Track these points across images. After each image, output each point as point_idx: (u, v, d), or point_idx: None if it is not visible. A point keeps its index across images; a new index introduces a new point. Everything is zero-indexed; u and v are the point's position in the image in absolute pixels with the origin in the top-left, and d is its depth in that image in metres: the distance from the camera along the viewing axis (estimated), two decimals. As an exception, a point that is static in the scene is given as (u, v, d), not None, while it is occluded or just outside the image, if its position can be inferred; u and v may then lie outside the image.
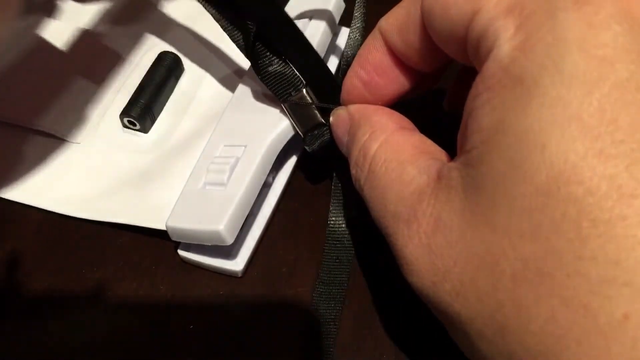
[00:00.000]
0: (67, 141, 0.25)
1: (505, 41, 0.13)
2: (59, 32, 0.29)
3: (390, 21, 0.18)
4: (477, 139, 0.14)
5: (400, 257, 0.16)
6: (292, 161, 0.24)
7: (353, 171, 0.19)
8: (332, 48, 0.28)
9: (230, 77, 0.27)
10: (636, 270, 0.11)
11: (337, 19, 0.26)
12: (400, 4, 0.18)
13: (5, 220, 0.23)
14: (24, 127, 0.26)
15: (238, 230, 0.20)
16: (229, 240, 0.20)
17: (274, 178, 0.24)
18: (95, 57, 0.28)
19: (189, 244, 0.22)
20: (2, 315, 0.21)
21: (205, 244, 0.20)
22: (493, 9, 0.14)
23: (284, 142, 0.22)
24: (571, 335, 0.12)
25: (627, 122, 0.12)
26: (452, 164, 0.15)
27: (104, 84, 0.27)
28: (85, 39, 0.29)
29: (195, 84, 0.27)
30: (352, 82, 0.20)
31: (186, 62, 0.27)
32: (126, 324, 0.21)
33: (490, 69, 0.14)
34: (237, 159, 0.21)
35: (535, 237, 0.13)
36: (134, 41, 0.29)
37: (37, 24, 0.29)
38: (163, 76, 0.26)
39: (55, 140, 0.25)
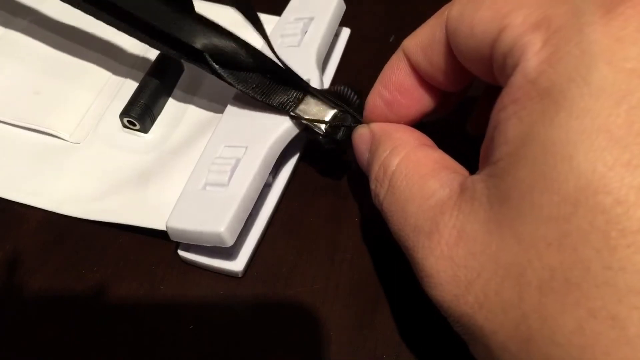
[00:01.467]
0: (67, 141, 0.25)
1: (532, 55, 0.13)
2: (58, 32, 0.29)
3: (415, 41, 0.18)
4: (503, 151, 0.14)
5: (420, 270, 0.16)
6: (292, 161, 0.24)
7: (373, 186, 0.19)
8: (332, 48, 0.28)
9: None
10: None
11: (338, 20, 0.26)
12: (425, 24, 0.18)
13: (5, 220, 0.23)
14: (23, 127, 0.26)
15: (239, 232, 0.20)
16: (230, 242, 0.20)
17: (274, 178, 0.24)
18: (95, 57, 0.28)
19: (189, 244, 0.22)
20: (2, 315, 0.21)
21: (206, 245, 0.20)
22: (520, 26, 0.14)
23: (286, 144, 0.22)
24: (599, 347, 0.12)
25: None
26: (476, 176, 0.15)
27: (104, 84, 0.27)
28: (85, 39, 0.29)
29: (195, 84, 0.27)
30: (374, 102, 0.20)
31: (186, 62, 0.27)
32: (126, 324, 0.21)
33: (517, 82, 0.14)
34: (238, 160, 0.21)
35: (562, 247, 0.13)
36: (133, 41, 0.28)
37: (36, 24, 0.29)
38: (163, 76, 0.26)
39: (54, 140, 0.25)
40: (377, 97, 0.20)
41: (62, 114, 0.26)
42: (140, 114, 0.25)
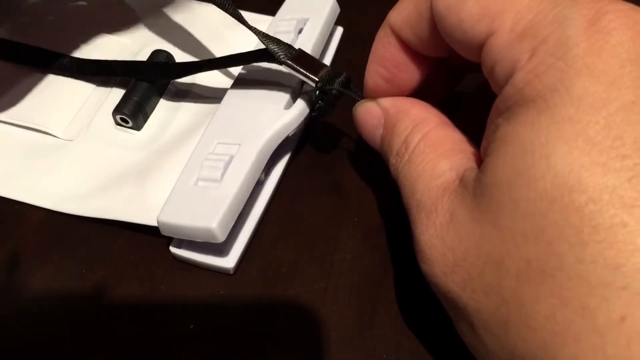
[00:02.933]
0: (60, 139, 0.25)
1: (520, 68, 0.14)
2: (51, 30, 0.29)
3: (401, 17, 0.19)
4: (489, 149, 0.15)
5: (416, 244, 0.17)
6: (285, 159, 0.24)
7: (393, 161, 0.19)
8: (326, 48, 0.28)
9: (223, 75, 0.27)
10: (634, 276, 0.12)
11: (333, 22, 0.27)
12: None
13: (5, 220, 0.23)
14: (16, 125, 0.26)
15: (230, 228, 0.20)
16: (221, 238, 0.20)
17: (266, 175, 0.24)
18: (88, 55, 0.28)
19: (181, 241, 0.22)
20: (2, 315, 0.21)
21: (197, 240, 0.20)
22: (508, 34, 0.15)
23: (279, 141, 0.22)
24: (569, 333, 0.13)
25: (631, 139, 0.13)
26: (475, 167, 0.16)
27: (97, 81, 0.27)
28: (78, 37, 0.29)
29: (188, 82, 0.27)
30: (375, 81, 0.20)
31: (179, 59, 0.27)
32: (126, 324, 0.21)
33: (508, 92, 0.15)
34: (231, 157, 0.21)
35: (538, 240, 0.13)
36: (127, 39, 0.29)
37: (30, 23, 0.29)
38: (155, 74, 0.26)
39: (48, 137, 0.25)
40: (376, 76, 0.20)
41: (55, 111, 0.26)
42: (132, 111, 0.25)
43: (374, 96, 0.21)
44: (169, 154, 0.24)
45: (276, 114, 0.22)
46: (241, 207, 0.21)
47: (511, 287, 0.14)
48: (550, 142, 0.13)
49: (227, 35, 0.28)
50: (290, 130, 0.22)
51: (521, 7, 0.15)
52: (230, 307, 0.21)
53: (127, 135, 0.25)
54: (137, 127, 0.25)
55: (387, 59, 0.20)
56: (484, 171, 0.15)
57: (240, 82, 0.24)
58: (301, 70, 0.22)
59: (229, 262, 0.21)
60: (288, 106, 0.23)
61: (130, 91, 0.25)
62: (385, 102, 0.20)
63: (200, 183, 0.21)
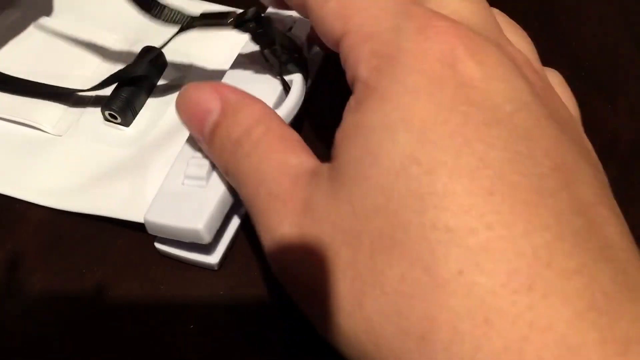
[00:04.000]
0: (49, 134, 0.25)
1: (365, 64, 0.17)
2: (42, 26, 0.29)
3: None
4: (339, 137, 0.17)
5: (269, 233, 0.18)
6: None
7: (230, 147, 0.19)
8: None
9: (213, 73, 0.27)
10: (466, 234, 0.14)
11: None
12: None
13: (5, 220, 0.23)
14: (5, 119, 0.26)
15: (217, 229, 0.20)
16: (208, 239, 0.20)
17: None
18: (78, 51, 0.28)
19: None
20: (2, 315, 0.21)
21: (183, 240, 0.21)
22: (355, 35, 0.17)
23: None
24: (418, 292, 0.14)
25: (455, 121, 0.15)
26: (324, 163, 0.18)
27: (87, 77, 0.27)
28: (69, 32, 0.29)
29: (178, 79, 0.27)
30: None
31: (169, 57, 0.27)
32: (126, 324, 0.21)
33: (357, 88, 0.17)
34: None
35: (387, 211, 0.15)
36: (118, 36, 0.29)
37: (21, 19, 0.29)
38: (145, 71, 0.26)
39: (36, 132, 0.25)
40: None
41: (45, 106, 0.26)
42: (121, 107, 0.25)
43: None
44: (158, 151, 0.24)
45: None
46: (228, 207, 0.21)
47: (365, 259, 0.15)
48: (392, 123, 0.16)
49: (221, 33, 0.28)
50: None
51: (368, 14, 0.17)
52: (230, 307, 0.21)
53: (116, 131, 0.25)
54: (126, 123, 0.25)
55: None
56: (337, 157, 0.17)
57: (228, 81, 0.24)
58: (211, 22, 0.22)
59: (213, 258, 0.21)
60: (276, 106, 0.23)
61: (119, 87, 0.25)
62: (225, 89, 0.20)
63: (187, 182, 0.21)
